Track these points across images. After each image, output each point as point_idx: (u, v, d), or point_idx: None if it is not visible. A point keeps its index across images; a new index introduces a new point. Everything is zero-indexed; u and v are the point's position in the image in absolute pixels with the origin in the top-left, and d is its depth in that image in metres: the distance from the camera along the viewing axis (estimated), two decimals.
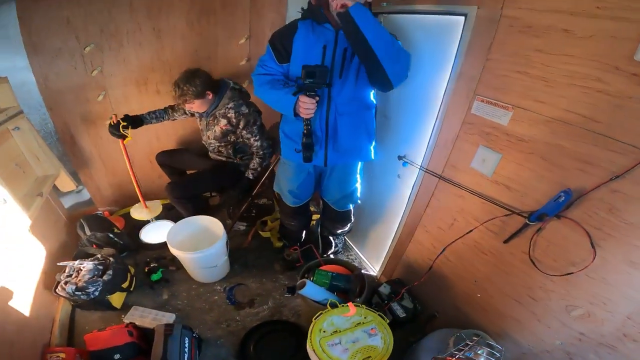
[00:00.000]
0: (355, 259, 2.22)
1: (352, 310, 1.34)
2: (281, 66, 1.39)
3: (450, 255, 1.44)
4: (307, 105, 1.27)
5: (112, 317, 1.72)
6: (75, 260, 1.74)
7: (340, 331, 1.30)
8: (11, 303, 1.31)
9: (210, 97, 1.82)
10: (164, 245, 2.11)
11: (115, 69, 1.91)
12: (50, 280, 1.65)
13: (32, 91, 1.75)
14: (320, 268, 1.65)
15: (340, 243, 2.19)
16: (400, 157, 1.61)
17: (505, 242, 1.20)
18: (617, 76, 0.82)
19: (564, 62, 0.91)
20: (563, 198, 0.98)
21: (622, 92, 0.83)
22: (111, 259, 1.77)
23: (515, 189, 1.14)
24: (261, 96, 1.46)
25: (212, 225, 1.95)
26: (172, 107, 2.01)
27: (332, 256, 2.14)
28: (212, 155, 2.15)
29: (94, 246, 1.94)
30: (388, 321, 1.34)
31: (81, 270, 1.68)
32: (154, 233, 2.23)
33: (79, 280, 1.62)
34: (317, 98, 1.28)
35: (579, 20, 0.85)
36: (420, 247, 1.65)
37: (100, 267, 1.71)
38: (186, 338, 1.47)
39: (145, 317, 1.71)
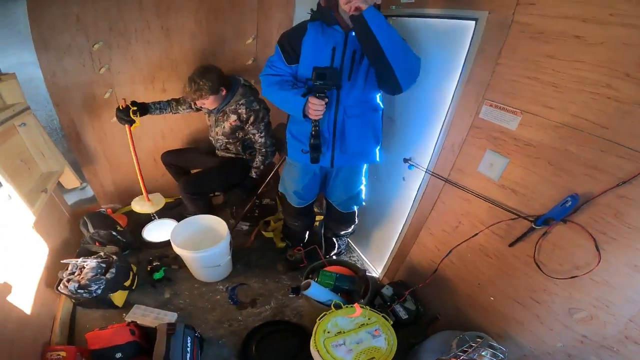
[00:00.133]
0: (358, 260, 2.23)
1: (358, 311, 1.34)
2: (290, 67, 1.40)
3: (454, 258, 1.45)
4: (316, 107, 1.28)
5: (113, 315, 1.71)
6: (78, 257, 1.73)
7: (344, 332, 1.30)
8: (12, 300, 1.30)
9: (223, 93, 1.83)
10: (166, 243, 2.12)
11: (123, 66, 1.92)
12: (52, 278, 1.64)
13: (39, 87, 1.75)
14: (325, 269, 1.65)
15: (343, 244, 2.19)
16: (406, 160, 1.62)
17: (511, 245, 1.20)
18: (627, 83, 0.83)
19: (575, 68, 0.92)
20: (570, 203, 0.99)
21: (631, 98, 0.84)
22: (114, 257, 1.77)
23: (521, 193, 1.15)
24: (269, 97, 1.46)
25: (215, 224, 1.95)
26: (176, 100, 1.99)
27: (334, 257, 2.15)
28: (219, 152, 2.15)
29: (97, 244, 1.93)
30: (392, 322, 1.35)
31: (84, 268, 1.67)
32: (157, 231, 2.23)
33: (82, 278, 1.61)
34: (327, 100, 1.29)
35: (591, 27, 0.86)
36: (424, 249, 1.66)
37: (103, 265, 1.71)
38: (188, 337, 1.46)
39: (147, 315, 1.70)
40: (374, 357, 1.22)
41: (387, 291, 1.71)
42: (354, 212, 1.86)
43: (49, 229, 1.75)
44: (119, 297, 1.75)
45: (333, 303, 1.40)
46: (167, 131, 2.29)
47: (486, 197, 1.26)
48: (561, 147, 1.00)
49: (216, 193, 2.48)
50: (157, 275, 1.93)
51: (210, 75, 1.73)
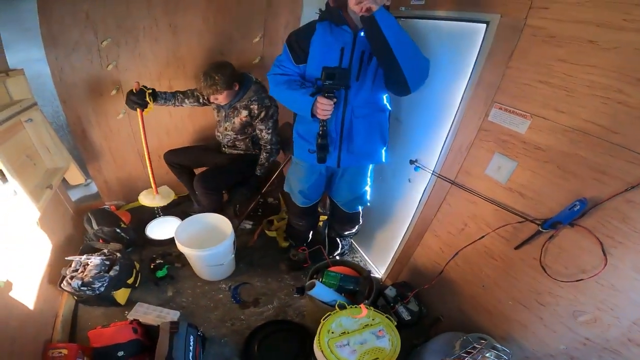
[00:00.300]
0: (361, 260, 2.23)
1: (364, 312, 1.34)
2: (298, 67, 1.40)
3: (459, 260, 1.45)
4: (325, 107, 1.28)
5: (115, 313, 1.71)
6: (82, 254, 1.73)
7: (348, 332, 1.30)
8: (15, 297, 1.29)
9: (236, 88, 1.84)
10: (169, 241, 2.12)
11: (131, 63, 1.92)
12: (55, 275, 1.64)
13: (47, 83, 1.75)
14: (329, 269, 1.65)
15: (346, 245, 2.20)
16: (412, 162, 1.62)
17: (517, 248, 1.21)
18: (639, 88, 0.84)
19: (587, 72, 0.92)
20: (578, 207, 1.00)
21: None
22: (118, 254, 1.76)
23: (529, 196, 1.15)
24: (277, 96, 1.47)
25: (220, 223, 1.95)
26: (182, 93, 1.97)
27: (337, 257, 2.15)
28: (226, 150, 2.15)
29: (101, 241, 1.93)
30: (395, 323, 1.35)
31: (88, 265, 1.67)
32: (160, 229, 2.23)
33: (86, 275, 1.61)
34: (335, 100, 1.29)
35: (605, 32, 0.87)
36: (428, 251, 1.66)
37: (107, 263, 1.71)
38: (191, 336, 1.46)
39: (149, 314, 1.70)
40: (377, 358, 1.22)
41: (391, 292, 1.71)
42: (359, 212, 1.86)
43: (53, 225, 1.75)
44: (121, 295, 1.75)
45: (337, 303, 1.40)
46: (172, 129, 2.29)
47: (493, 200, 1.26)
48: (571, 151, 1.00)
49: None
50: (160, 273, 1.92)
51: (225, 70, 1.75)
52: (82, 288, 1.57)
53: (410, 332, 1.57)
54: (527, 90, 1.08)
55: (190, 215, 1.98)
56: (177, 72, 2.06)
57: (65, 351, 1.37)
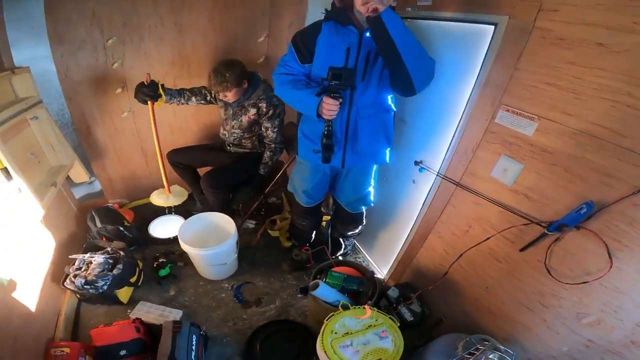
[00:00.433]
0: (363, 261, 2.23)
1: (368, 313, 1.34)
2: (303, 67, 1.40)
3: (462, 261, 1.45)
4: (330, 107, 1.27)
5: (117, 311, 1.71)
6: (86, 253, 1.73)
7: (351, 333, 1.30)
8: (18, 296, 1.29)
9: (245, 86, 1.85)
10: (172, 240, 2.12)
11: (136, 62, 1.92)
12: (58, 273, 1.64)
13: (52, 81, 1.75)
14: (332, 270, 1.65)
15: (349, 245, 2.20)
16: (417, 163, 1.62)
17: (521, 250, 1.21)
18: None
19: (596, 75, 0.92)
20: (585, 210, 0.99)
21: None
22: (121, 252, 1.77)
23: (535, 199, 1.15)
24: (282, 95, 1.47)
25: (223, 222, 1.95)
26: (189, 90, 1.96)
27: (340, 258, 2.15)
28: (232, 148, 2.15)
29: (104, 239, 1.93)
30: (399, 324, 1.35)
31: (91, 263, 1.67)
32: (163, 227, 2.23)
33: (89, 273, 1.61)
34: (341, 100, 1.29)
35: (615, 35, 0.86)
36: (431, 252, 1.66)
37: (111, 261, 1.71)
38: (194, 335, 1.47)
39: (152, 313, 1.70)
40: (380, 359, 1.22)
41: (393, 293, 1.70)
42: (362, 212, 1.86)
43: (56, 223, 1.75)
44: (124, 294, 1.75)
45: (340, 304, 1.40)
46: (176, 128, 2.30)
47: (499, 202, 1.26)
48: (578, 154, 1.00)
49: None
50: (163, 272, 1.93)
51: (235, 67, 1.77)
52: (85, 286, 1.57)
53: (412, 333, 1.57)
54: (535, 92, 1.07)
55: (193, 214, 1.98)
56: (181, 71, 2.06)
57: (67, 350, 1.37)
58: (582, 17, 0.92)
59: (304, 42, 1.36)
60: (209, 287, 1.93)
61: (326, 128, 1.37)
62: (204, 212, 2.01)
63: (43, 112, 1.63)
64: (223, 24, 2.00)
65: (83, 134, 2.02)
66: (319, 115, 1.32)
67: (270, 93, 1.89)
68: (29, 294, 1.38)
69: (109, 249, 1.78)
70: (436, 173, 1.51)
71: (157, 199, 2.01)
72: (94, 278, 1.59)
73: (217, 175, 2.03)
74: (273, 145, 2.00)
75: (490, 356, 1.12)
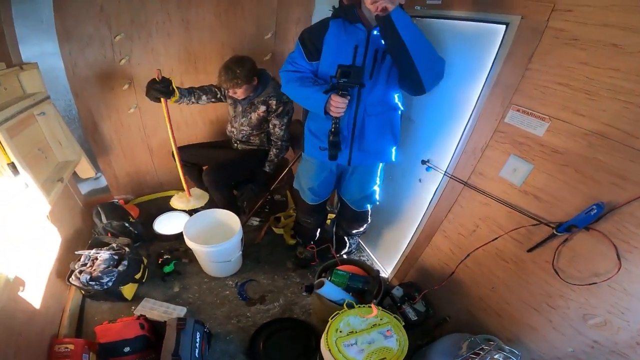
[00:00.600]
0: (367, 259, 2.23)
1: (374, 312, 1.34)
2: (310, 64, 1.40)
3: (468, 261, 1.44)
4: (338, 105, 1.27)
5: (122, 308, 1.72)
6: (91, 248, 1.74)
7: (356, 332, 1.30)
8: (23, 292, 1.29)
9: (255, 83, 1.85)
10: (176, 236, 2.13)
11: (143, 58, 1.92)
12: (63, 269, 1.65)
13: (60, 77, 1.76)
14: (337, 268, 1.64)
15: (354, 243, 2.20)
16: (424, 162, 1.61)
17: (529, 251, 1.20)
18: None
19: (609, 76, 0.91)
20: (595, 211, 0.99)
21: None
22: (126, 248, 1.77)
23: (544, 199, 1.14)
24: (289, 93, 1.46)
25: (228, 219, 1.95)
26: (199, 89, 1.94)
27: (345, 256, 2.15)
28: (239, 145, 2.15)
29: (109, 235, 1.94)
30: (403, 323, 1.35)
31: (97, 259, 1.67)
32: (168, 224, 2.23)
33: (94, 270, 1.62)
34: (349, 97, 1.28)
35: (629, 35, 0.86)
36: (437, 251, 1.66)
37: (116, 257, 1.71)
38: (198, 333, 1.47)
39: (156, 309, 1.70)
40: (385, 358, 1.22)
41: (398, 292, 1.70)
42: (368, 211, 1.86)
43: (62, 219, 1.76)
44: (129, 290, 1.75)
45: (345, 302, 1.40)
46: (182, 124, 2.30)
47: (507, 202, 1.26)
48: (590, 155, 0.99)
49: None
50: (167, 269, 1.93)
51: (245, 64, 1.76)
52: (90, 283, 1.57)
53: (414, 332, 1.57)
54: (547, 92, 1.07)
55: (199, 211, 1.98)
56: (188, 67, 2.07)
57: (71, 346, 1.37)
58: (597, 17, 0.91)
59: (312, 40, 1.35)
60: (213, 284, 1.93)
61: (333, 125, 1.36)
62: (209, 208, 2.01)
63: (50, 108, 1.63)
64: (230, 21, 2.00)
65: (90, 130, 2.03)
66: (326, 113, 1.32)
67: (279, 91, 1.89)
68: (34, 290, 1.38)
69: (114, 245, 1.79)
70: (443, 172, 1.51)
71: (178, 203, 1.93)
72: (99, 274, 1.60)
73: (219, 170, 2.02)
74: (280, 143, 2.00)
75: (496, 356, 1.12)
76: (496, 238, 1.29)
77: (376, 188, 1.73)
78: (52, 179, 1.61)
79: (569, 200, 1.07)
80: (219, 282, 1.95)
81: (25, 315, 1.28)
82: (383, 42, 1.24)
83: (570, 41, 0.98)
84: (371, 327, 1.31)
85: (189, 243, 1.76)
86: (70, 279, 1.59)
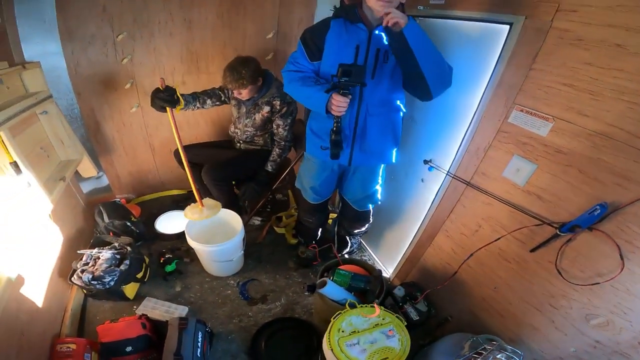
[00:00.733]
0: (369, 259, 2.23)
1: (377, 311, 1.34)
2: (312, 64, 1.39)
3: (471, 261, 1.44)
4: (340, 104, 1.27)
5: (123, 307, 1.71)
6: (93, 248, 1.74)
7: (358, 332, 1.30)
8: (25, 291, 1.29)
9: (259, 83, 1.85)
10: (178, 236, 2.13)
11: (145, 58, 1.93)
12: (65, 268, 1.65)
13: (62, 76, 1.76)
14: (339, 268, 1.65)
15: (356, 243, 2.20)
16: (426, 162, 1.61)
17: (532, 251, 1.20)
18: None
19: (613, 76, 0.91)
20: (598, 211, 0.99)
21: None
22: (128, 248, 1.77)
23: (547, 199, 1.14)
24: (291, 92, 1.46)
25: (230, 218, 1.95)
26: (203, 93, 1.93)
27: (346, 256, 2.15)
28: (242, 145, 2.15)
29: (111, 234, 1.94)
30: (405, 323, 1.35)
31: (99, 258, 1.67)
32: (169, 223, 2.24)
33: (96, 269, 1.62)
34: (350, 97, 1.28)
35: (634, 36, 0.86)
36: (439, 251, 1.66)
37: (118, 257, 1.71)
38: (200, 332, 1.47)
39: (158, 309, 1.70)
40: (387, 358, 1.22)
41: (399, 292, 1.70)
42: (369, 210, 1.86)
43: (64, 218, 1.75)
44: (130, 289, 1.75)
45: (348, 302, 1.40)
46: (184, 123, 2.30)
47: (510, 202, 1.26)
48: (593, 155, 0.99)
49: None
50: (169, 268, 1.93)
51: (250, 64, 1.76)
52: (92, 282, 1.57)
53: (416, 332, 1.57)
54: (551, 92, 1.07)
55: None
56: (190, 67, 2.07)
57: (73, 346, 1.37)
58: (602, 17, 0.91)
59: (313, 40, 1.35)
60: (214, 284, 1.93)
61: (335, 124, 1.36)
62: None
63: (53, 106, 1.63)
64: (232, 21, 2.00)
65: (92, 129, 2.03)
66: (327, 112, 1.32)
67: (283, 90, 1.89)
68: (36, 289, 1.38)
69: (116, 244, 1.79)
70: (446, 172, 1.51)
71: (192, 214, 1.87)
72: (102, 273, 1.60)
73: (218, 168, 2.02)
74: (283, 143, 2.00)
75: (498, 356, 1.12)
76: (499, 238, 1.29)
77: (378, 187, 1.73)
78: (54, 178, 1.61)
79: (573, 200, 1.07)
80: (221, 281, 1.95)
81: (27, 314, 1.28)
82: (391, 51, 1.25)
83: (575, 41, 0.98)
84: (373, 327, 1.31)
85: (191, 242, 1.76)
86: (72, 278, 1.59)
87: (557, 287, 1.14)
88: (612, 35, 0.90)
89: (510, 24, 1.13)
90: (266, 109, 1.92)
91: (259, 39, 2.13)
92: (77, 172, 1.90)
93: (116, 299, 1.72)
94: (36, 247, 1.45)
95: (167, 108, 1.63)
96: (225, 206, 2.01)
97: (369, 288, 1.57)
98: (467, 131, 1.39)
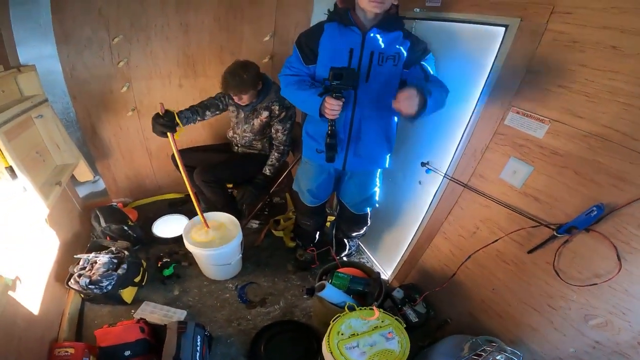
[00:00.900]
0: (367, 262, 2.22)
1: (376, 314, 1.34)
2: (307, 67, 1.40)
3: (469, 263, 1.44)
4: (332, 107, 1.27)
5: (121, 312, 1.70)
6: (90, 252, 1.73)
7: (357, 334, 1.29)
8: (22, 295, 1.28)
9: (260, 88, 1.84)
10: (176, 239, 2.12)
11: (141, 61, 1.92)
12: (62, 272, 1.63)
13: (58, 80, 1.74)
14: (338, 270, 1.64)
15: (354, 246, 2.20)
16: (423, 164, 1.61)
17: (530, 252, 1.21)
18: None
19: (609, 78, 0.92)
20: (595, 212, 0.99)
21: None
22: (126, 252, 1.76)
23: (544, 201, 1.15)
24: (288, 96, 1.47)
25: (228, 222, 1.95)
26: (200, 106, 1.88)
27: (344, 258, 2.14)
28: (241, 149, 2.14)
29: (108, 238, 1.93)
30: (405, 325, 1.35)
31: (96, 263, 1.66)
32: (167, 227, 2.23)
33: (94, 273, 1.61)
34: (343, 99, 1.28)
35: (628, 38, 0.86)
36: (437, 253, 1.66)
37: (115, 261, 1.70)
38: (198, 336, 1.46)
39: (156, 313, 1.69)
40: None
41: (398, 294, 1.70)
42: (367, 213, 1.86)
43: (60, 222, 1.74)
44: (128, 294, 1.74)
45: (347, 305, 1.40)
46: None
47: (507, 204, 1.26)
48: (589, 157, 1.00)
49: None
50: (167, 272, 1.92)
51: (251, 68, 1.76)
52: (89, 286, 1.56)
53: (416, 334, 1.57)
54: (547, 94, 1.07)
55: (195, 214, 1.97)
56: (187, 71, 2.06)
57: (72, 350, 1.36)
58: (596, 20, 0.92)
59: (308, 44, 1.36)
60: (213, 287, 1.92)
61: (329, 128, 1.37)
62: (208, 211, 2.00)
63: (48, 110, 1.62)
64: (229, 23, 2.00)
65: (88, 133, 2.02)
66: (321, 115, 1.32)
67: (281, 95, 1.89)
68: (33, 294, 1.37)
69: (113, 248, 1.78)
70: (443, 174, 1.51)
71: (198, 236, 1.85)
72: (99, 278, 1.59)
73: (208, 168, 2.01)
74: (282, 147, 1.99)
75: (498, 357, 1.12)
76: (497, 240, 1.29)
77: (376, 189, 1.73)
78: (50, 182, 1.60)
79: (569, 201, 1.07)
80: (219, 285, 1.94)
81: (24, 319, 1.27)
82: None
83: (570, 43, 0.98)
84: (373, 330, 1.31)
85: (189, 246, 1.75)
86: (70, 283, 1.58)
87: (555, 288, 1.14)
88: (607, 37, 0.90)
89: (506, 26, 1.14)
90: (265, 114, 1.91)
91: (255, 42, 2.13)
92: (73, 177, 1.89)
93: (114, 303, 1.71)
94: (33, 251, 1.45)
95: (168, 133, 1.64)
96: (221, 209, 2.00)
97: (367, 290, 1.57)
98: (464, 133, 1.39)
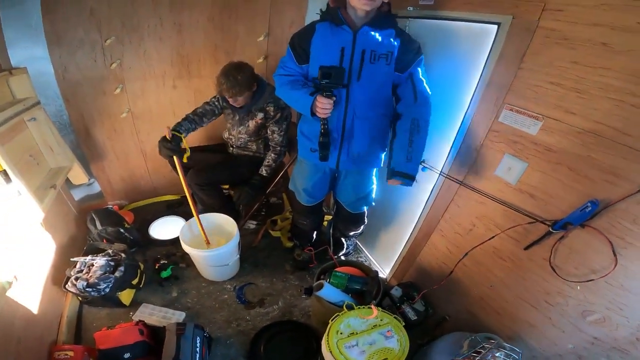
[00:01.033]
0: (365, 260, 2.23)
1: (375, 312, 1.34)
2: (300, 67, 1.41)
3: (466, 260, 1.45)
4: (323, 105, 1.28)
5: (120, 314, 1.70)
6: (86, 255, 1.72)
7: (357, 333, 1.30)
8: (20, 298, 1.28)
9: (254, 89, 1.82)
10: (173, 241, 2.11)
11: (135, 62, 1.90)
12: (59, 275, 1.62)
13: (50, 82, 1.73)
14: (336, 270, 1.64)
15: (351, 245, 2.20)
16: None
17: (526, 249, 1.21)
18: None
19: (600, 74, 0.92)
20: (590, 208, 1.00)
21: None
22: (122, 254, 1.75)
23: (539, 197, 1.16)
24: (282, 96, 1.47)
25: (225, 223, 1.94)
26: (195, 114, 1.87)
27: (342, 257, 2.15)
28: (236, 151, 2.13)
29: (104, 241, 1.92)
30: (404, 323, 1.35)
31: (93, 266, 1.65)
32: (164, 229, 2.22)
33: (90, 276, 1.60)
34: (334, 98, 1.29)
35: (619, 34, 0.87)
36: (435, 251, 1.66)
37: (112, 263, 1.69)
38: (198, 337, 1.46)
39: (155, 315, 1.69)
40: (386, 358, 1.22)
41: (396, 292, 1.71)
42: (364, 212, 1.86)
43: (56, 225, 1.73)
44: (126, 296, 1.74)
45: (345, 304, 1.40)
46: None
47: (503, 200, 1.27)
48: (583, 153, 1.01)
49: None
50: (165, 274, 1.91)
51: (245, 70, 1.74)
52: (87, 289, 1.55)
53: (414, 332, 1.58)
54: (539, 91, 1.08)
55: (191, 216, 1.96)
56: (181, 71, 2.05)
57: (71, 353, 1.36)
58: (587, 17, 0.92)
59: (300, 44, 1.36)
60: (211, 289, 1.92)
61: (322, 126, 1.38)
62: (204, 213, 1.99)
63: (41, 113, 1.60)
64: (223, 23, 1.98)
65: (82, 135, 2.00)
66: (314, 114, 1.33)
67: (276, 96, 1.88)
68: (31, 297, 1.37)
69: (110, 251, 1.77)
70: (439, 172, 1.52)
71: (196, 242, 1.89)
72: (96, 280, 1.58)
73: (201, 172, 2.00)
74: (278, 148, 1.99)
75: (497, 354, 1.12)
76: (493, 237, 1.30)
77: (373, 188, 1.73)
78: (45, 185, 1.59)
79: (564, 198, 1.08)
80: (217, 286, 1.93)
81: (23, 321, 1.27)
82: None
83: (561, 40, 0.99)
84: (372, 328, 1.31)
85: (186, 248, 1.75)
86: (67, 286, 1.57)
87: (552, 284, 1.15)
88: (598, 34, 0.91)
89: (499, 24, 1.14)
90: (260, 115, 1.90)
91: (249, 42, 2.12)
92: (68, 180, 1.87)
93: (112, 306, 1.71)
94: (29, 255, 1.44)
95: (175, 157, 1.66)
96: (218, 210, 2.00)
97: (366, 289, 1.57)
98: (458, 131, 1.40)
